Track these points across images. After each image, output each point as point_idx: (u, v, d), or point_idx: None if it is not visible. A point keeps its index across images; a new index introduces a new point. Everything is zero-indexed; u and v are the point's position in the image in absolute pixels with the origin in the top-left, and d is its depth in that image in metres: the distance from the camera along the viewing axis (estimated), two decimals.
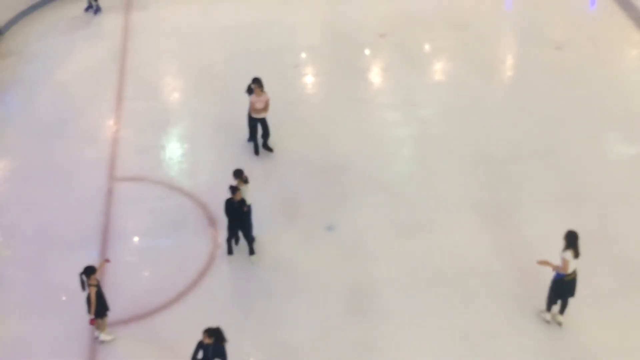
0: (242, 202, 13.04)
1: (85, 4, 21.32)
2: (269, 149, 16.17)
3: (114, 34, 20.52)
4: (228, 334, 11.02)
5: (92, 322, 12.00)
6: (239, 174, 13.39)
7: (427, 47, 20.11)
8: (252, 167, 15.32)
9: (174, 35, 20.42)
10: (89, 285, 11.80)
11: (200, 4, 21.81)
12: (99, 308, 11.99)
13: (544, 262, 11.98)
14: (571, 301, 12.23)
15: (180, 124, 17.45)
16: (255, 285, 13.35)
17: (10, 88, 18.73)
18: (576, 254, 11.63)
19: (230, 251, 13.77)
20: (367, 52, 19.91)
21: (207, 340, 10.72)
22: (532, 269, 12.92)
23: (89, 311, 11.97)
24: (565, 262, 11.65)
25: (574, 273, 11.87)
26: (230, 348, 11.36)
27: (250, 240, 13.63)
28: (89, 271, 11.81)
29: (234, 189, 12.92)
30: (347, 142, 16.55)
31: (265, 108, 15.54)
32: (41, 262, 13.82)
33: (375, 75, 19.18)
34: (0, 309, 12.94)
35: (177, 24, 20.86)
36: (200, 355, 10.78)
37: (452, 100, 17.90)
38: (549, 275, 12.32)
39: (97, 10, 21.36)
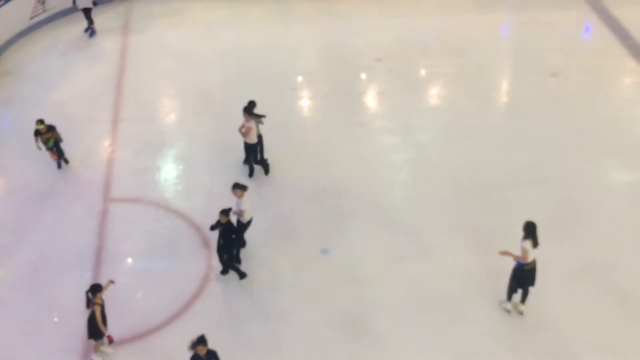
0: (228, 224, 13.19)
1: (85, 25, 21.52)
2: (264, 165, 16.40)
3: (111, 56, 20.69)
4: (221, 355, 11.14)
5: (110, 338, 12.35)
6: (237, 186, 13.64)
7: (423, 72, 20.32)
8: (252, 189, 15.45)
9: (172, 58, 20.57)
10: (94, 303, 11.89)
11: (199, 27, 22.01)
12: (97, 329, 12.06)
13: (505, 253, 12.58)
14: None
15: (177, 145, 17.57)
16: (248, 307, 13.42)
17: (6, 108, 18.83)
18: (535, 244, 12.29)
19: (224, 271, 13.89)
20: (363, 76, 20.10)
21: (202, 351, 10.84)
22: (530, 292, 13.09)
23: (89, 334, 12.06)
24: (524, 251, 12.26)
25: (534, 262, 12.50)
26: None
27: (236, 264, 13.76)
28: (96, 289, 11.96)
29: (223, 211, 13.13)
30: (343, 166, 16.68)
31: (246, 134, 15.60)
32: (36, 282, 13.89)
33: (372, 100, 19.37)
34: None
35: (175, 47, 21.03)
36: None
37: (448, 126, 18.06)
38: (543, 296, 12.57)
39: (92, 33, 21.53)
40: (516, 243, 14.17)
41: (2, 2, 20.76)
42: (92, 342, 12.32)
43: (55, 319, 13.19)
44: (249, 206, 13.87)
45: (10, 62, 20.53)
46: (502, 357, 12.59)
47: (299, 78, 20.03)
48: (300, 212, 15.41)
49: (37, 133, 15.86)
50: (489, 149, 17.25)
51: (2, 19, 20.72)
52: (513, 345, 12.74)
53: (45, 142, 16.01)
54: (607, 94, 19.31)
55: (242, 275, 13.81)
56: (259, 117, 15.92)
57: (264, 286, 13.84)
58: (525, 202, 15.61)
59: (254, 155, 16.09)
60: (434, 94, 19.60)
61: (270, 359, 12.55)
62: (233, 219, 13.37)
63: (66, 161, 16.63)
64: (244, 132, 15.57)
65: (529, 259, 12.39)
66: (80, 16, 21.42)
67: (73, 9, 21.66)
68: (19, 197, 15.89)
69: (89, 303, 11.99)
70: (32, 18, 21.72)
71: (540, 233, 14.38)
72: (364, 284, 13.89)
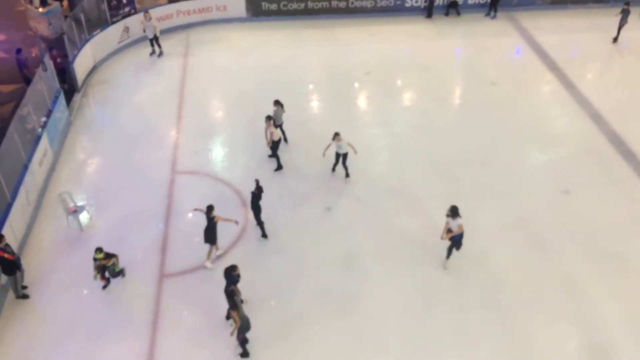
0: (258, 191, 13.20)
1: (150, 50, 21.34)
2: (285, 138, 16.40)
3: (176, 71, 20.59)
4: (251, 281, 11.25)
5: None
6: (336, 134, 14.58)
7: (399, 82, 20.18)
8: (274, 167, 15.57)
9: (219, 72, 20.45)
10: (213, 216, 12.37)
11: (238, 50, 21.86)
12: (212, 237, 12.44)
13: (446, 236, 12.51)
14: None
15: (223, 134, 17.53)
16: (273, 248, 13.50)
17: (103, 107, 18.84)
18: (460, 217, 12.38)
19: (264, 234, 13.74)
20: (356, 85, 19.94)
21: (236, 271, 11.09)
22: (470, 241, 13.13)
23: (206, 239, 12.63)
24: (459, 226, 12.32)
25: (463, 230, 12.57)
26: (249, 292, 11.63)
27: (260, 221, 13.56)
28: (210, 208, 12.43)
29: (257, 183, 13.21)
30: None
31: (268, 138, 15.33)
32: (123, 230, 13.99)
33: (362, 102, 19.26)
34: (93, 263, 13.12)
35: (221, 65, 20.89)
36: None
37: (417, 121, 17.98)
38: (481, 243, 12.57)
39: (160, 54, 21.29)
40: (464, 205, 14.13)
41: (98, 30, 20.68)
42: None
43: (138, 256, 13.27)
44: (346, 143, 14.71)
45: (104, 73, 20.49)
46: (453, 285, 12.68)
47: (310, 86, 19.92)
48: (312, 181, 15.44)
49: (95, 260, 12.09)
50: (445, 137, 17.17)
51: (99, 43, 20.66)
52: (460, 277, 12.83)
53: (101, 267, 12.19)
54: (530, 97, 19.18)
55: (264, 235, 13.69)
56: (280, 107, 15.88)
57: (285, 233, 13.88)
58: (471, 175, 15.64)
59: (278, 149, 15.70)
60: (406, 98, 19.48)
61: (290, 283, 12.65)
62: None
63: (111, 277, 12.46)
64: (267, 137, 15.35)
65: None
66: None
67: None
68: (111, 170, 15.94)
69: (210, 218, 12.35)
70: (119, 42, 21.62)
71: (479, 198, 14.55)
72: (356, 232, 13.93)
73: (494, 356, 11.27)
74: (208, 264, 12.87)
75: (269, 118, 15.26)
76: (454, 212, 12.38)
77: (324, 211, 14.52)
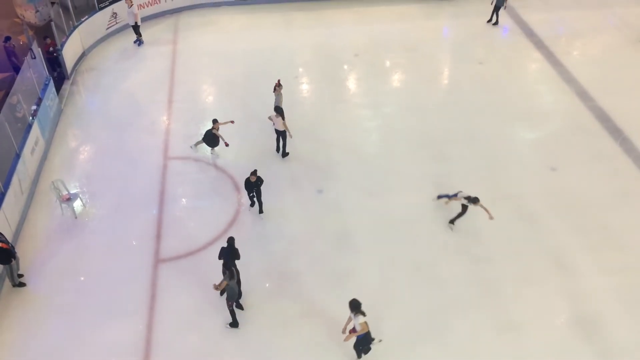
0: (258, 180, 13.20)
1: (134, 38, 20.90)
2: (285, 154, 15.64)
3: (165, 56, 20.26)
4: (247, 267, 11.22)
5: (226, 143, 14.73)
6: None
7: (388, 63, 20.00)
8: (268, 150, 15.48)
9: (208, 56, 20.17)
10: (215, 128, 14.64)
11: (227, 34, 21.55)
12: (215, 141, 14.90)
13: (349, 337, 10.33)
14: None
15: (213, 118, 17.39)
16: (266, 232, 13.46)
17: (93, 94, 18.55)
18: (364, 314, 10.07)
19: (252, 204, 13.87)
20: (345, 67, 19.76)
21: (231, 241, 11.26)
22: (462, 216, 13.08)
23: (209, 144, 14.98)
24: (362, 325, 10.04)
25: (367, 326, 10.19)
26: (246, 276, 11.60)
27: (260, 202, 13.70)
28: (215, 121, 14.56)
29: (253, 172, 13.17)
30: (332, 131, 16.53)
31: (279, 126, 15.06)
32: (117, 217, 13.89)
33: (352, 83, 19.09)
34: (88, 251, 13.05)
35: (211, 49, 20.58)
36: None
37: (405, 101, 17.86)
38: (473, 216, 12.52)
39: (140, 43, 20.80)
40: (454, 182, 14.13)
41: (86, 17, 20.27)
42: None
43: (133, 242, 13.22)
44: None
45: (93, 60, 20.16)
46: (444, 259, 12.72)
47: (300, 69, 19.70)
48: (302, 163, 15.35)
49: None
50: (434, 116, 17.08)
51: (87, 29, 20.25)
52: (451, 251, 12.88)
53: None
54: (518, 76, 19.08)
55: (261, 210, 13.83)
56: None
57: (277, 216, 13.84)
58: (460, 153, 15.61)
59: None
60: (395, 79, 19.33)
61: (281, 266, 12.64)
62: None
63: None
64: (279, 126, 15.05)
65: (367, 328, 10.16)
66: (144, 26, 20.90)
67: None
68: (103, 157, 15.75)
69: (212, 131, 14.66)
70: (107, 28, 21.22)
71: (469, 176, 14.45)
72: (347, 213, 13.92)
73: (484, 329, 11.35)
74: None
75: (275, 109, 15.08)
76: (354, 307, 9.99)
77: (315, 193, 14.46)
